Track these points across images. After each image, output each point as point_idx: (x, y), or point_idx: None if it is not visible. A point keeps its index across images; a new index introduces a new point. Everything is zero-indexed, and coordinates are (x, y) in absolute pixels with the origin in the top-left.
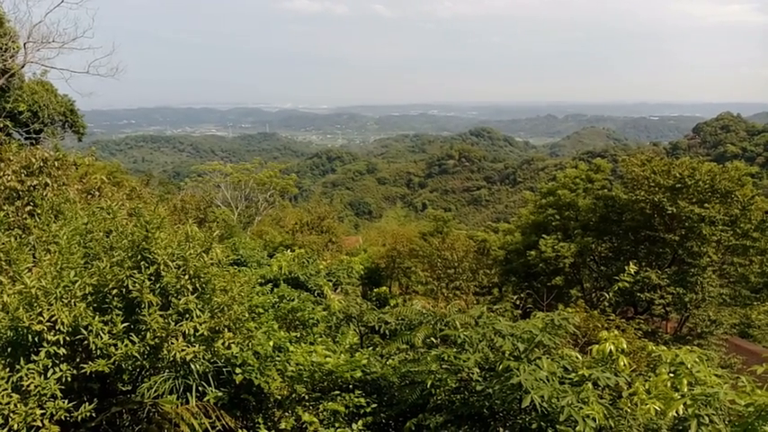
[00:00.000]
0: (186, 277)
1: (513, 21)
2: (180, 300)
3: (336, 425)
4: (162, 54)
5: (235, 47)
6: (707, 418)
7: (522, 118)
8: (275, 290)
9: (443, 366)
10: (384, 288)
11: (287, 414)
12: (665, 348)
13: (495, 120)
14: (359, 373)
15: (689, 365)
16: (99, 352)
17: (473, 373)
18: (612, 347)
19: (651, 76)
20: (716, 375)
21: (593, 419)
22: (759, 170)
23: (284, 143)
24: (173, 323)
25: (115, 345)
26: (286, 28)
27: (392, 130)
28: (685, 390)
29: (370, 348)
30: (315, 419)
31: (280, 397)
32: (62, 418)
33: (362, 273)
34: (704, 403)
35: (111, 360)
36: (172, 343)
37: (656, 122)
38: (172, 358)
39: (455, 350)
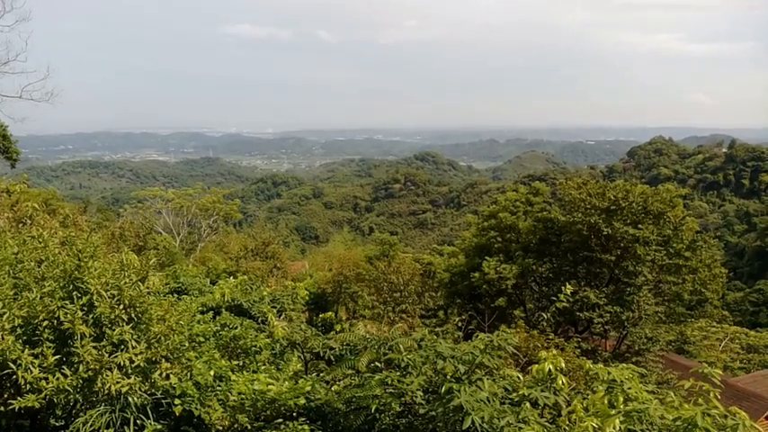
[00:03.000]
0: (121, 307)
1: (453, 47)
2: (114, 330)
3: None
4: (101, 79)
5: (176, 71)
6: None
7: (465, 142)
8: (217, 318)
9: (387, 390)
10: (330, 313)
11: None
12: (601, 366)
13: (439, 144)
14: (302, 400)
15: (621, 382)
16: (29, 386)
17: (416, 397)
18: (551, 366)
19: (587, 102)
20: (647, 391)
21: None
22: (690, 192)
23: (228, 168)
24: (107, 355)
25: (46, 378)
26: (229, 53)
27: (338, 155)
28: (621, 406)
29: (315, 375)
30: None
31: (221, 428)
32: None
33: (308, 298)
34: (638, 419)
35: (42, 395)
36: (106, 375)
37: (593, 146)
38: (107, 391)
39: (399, 374)
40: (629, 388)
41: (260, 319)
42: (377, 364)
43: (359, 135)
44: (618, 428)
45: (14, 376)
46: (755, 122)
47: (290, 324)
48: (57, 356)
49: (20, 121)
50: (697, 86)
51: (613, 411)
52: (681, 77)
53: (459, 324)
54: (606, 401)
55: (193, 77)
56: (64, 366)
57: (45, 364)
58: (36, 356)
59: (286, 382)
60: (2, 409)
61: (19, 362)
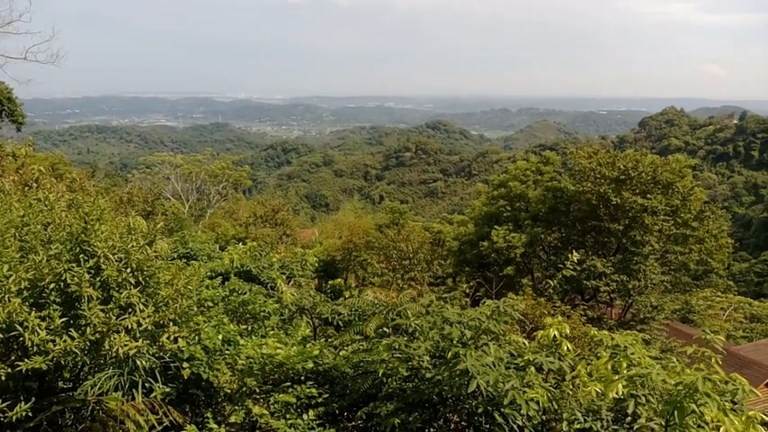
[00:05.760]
0: (128, 270)
1: (467, 15)
2: (122, 293)
3: (288, 416)
4: (107, 40)
5: (183, 34)
6: (643, 398)
7: (477, 111)
8: (226, 283)
9: (395, 355)
10: (339, 280)
11: (237, 408)
12: (605, 333)
13: (451, 113)
14: (310, 364)
15: (624, 348)
16: (36, 349)
17: (423, 361)
18: (557, 333)
19: (599, 72)
20: (650, 357)
21: (537, 402)
22: (700, 163)
23: (238, 134)
24: (114, 317)
25: (53, 341)
26: (238, 15)
27: (349, 122)
28: (624, 372)
29: (323, 340)
30: (265, 412)
31: (230, 391)
32: None
33: (318, 266)
34: (641, 384)
35: (49, 357)
36: (114, 338)
37: (605, 117)
38: (114, 354)
39: (406, 339)
40: (632, 353)
41: (269, 285)
42: (385, 329)
43: (370, 102)
44: (620, 393)
45: (21, 338)
46: None
47: (300, 290)
48: (64, 319)
49: (25, 83)
50: (711, 57)
51: (616, 376)
52: (695, 48)
53: (467, 291)
54: (610, 367)
55: (201, 41)
56: (71, 329)
57: (52, 327)
58: (43, 319)
59: (294, 347)
60: (9, 370)
61: (26, 324)
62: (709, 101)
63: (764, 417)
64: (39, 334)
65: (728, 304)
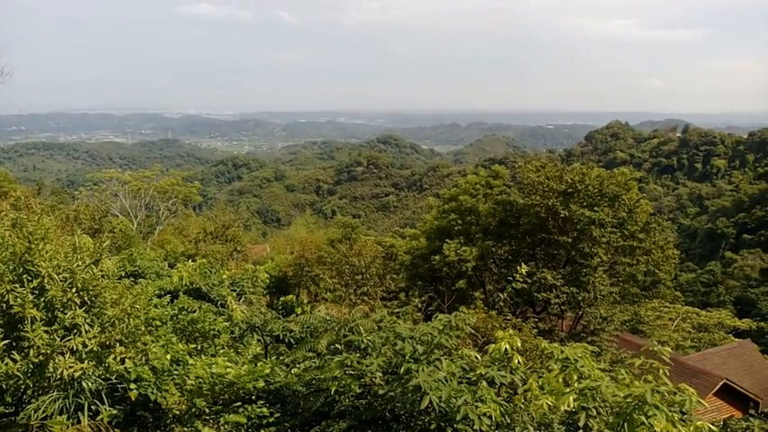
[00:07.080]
0: (73, 290)
1: (415, 31)
2: (66, 314)
3: None
4: (55, 60)
5: (132, 51)
6: (594, 411)
7: (427, 126)
8: (175, 301)
9: (347, 372)
10: (291, 296)
11: (186, 429)
12: (556, 345)
13: (401, 127)
14: (261, 383)
15: (574, 360)
16: None
17: (376, 378)
18: (508, 346)
19: (546, 87)
20: (600, 369)
21: (490, 417)
22: (645, 175)
23: (188, 150)
24: (59, 339)
25: None
26: (188, 33)
27: (300, 137)
28: (575, 384)
29: (275, 358)
30: None
31: (178, 412)
32: None
33: (269, 282)
34: (591, 396)
35: None
36: (58, 360)
37: (552, 131)
38: (59, 376)
39: (358, 355)
40: (582, 366)
41: (219, 302)
42: (337, 345)
43: (321, 117)
44: (572, 406)
45: None
46: (709, 108)
47: (250, 307)
48: (5, 341)
49: None
50: (653, 72)
51: (567, 389)
52: (637, 63)
53: (420, 306)
54: (561, 379)
55: (149, 58)
56: (13, 351)
57: None
58: None
59: (245, 366)
60: None
61: None
62: (653, 114)
63: (712, 426)
64: None
65: (677, 314)
